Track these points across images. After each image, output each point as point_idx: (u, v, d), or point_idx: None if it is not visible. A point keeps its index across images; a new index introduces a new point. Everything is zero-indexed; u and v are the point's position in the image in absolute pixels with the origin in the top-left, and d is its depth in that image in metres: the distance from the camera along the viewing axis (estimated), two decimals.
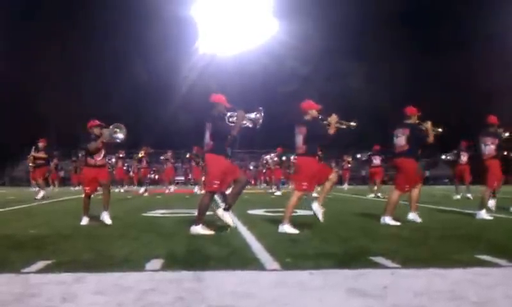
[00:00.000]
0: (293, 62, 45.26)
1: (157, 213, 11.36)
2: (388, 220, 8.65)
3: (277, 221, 8.46)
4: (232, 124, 7.75)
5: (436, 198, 17.33)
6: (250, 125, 8.05)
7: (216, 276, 4.54)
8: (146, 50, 45.96)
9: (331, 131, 7.95)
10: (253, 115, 8.03)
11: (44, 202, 15.77)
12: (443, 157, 21.05)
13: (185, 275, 4.53)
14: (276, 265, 4.98)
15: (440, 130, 9.24)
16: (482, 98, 39.29)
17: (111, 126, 9.13)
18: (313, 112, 8.02)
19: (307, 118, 7.98)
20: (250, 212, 11.53)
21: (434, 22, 47.51)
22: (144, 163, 24.53)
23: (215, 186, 7.62)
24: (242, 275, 4.55)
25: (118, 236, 7.21)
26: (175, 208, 12.67)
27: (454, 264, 4.92)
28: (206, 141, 7.76)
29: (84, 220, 8.83)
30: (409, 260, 5.15)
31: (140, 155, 24.46)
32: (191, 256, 5.46)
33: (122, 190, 26.41)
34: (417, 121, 9.00)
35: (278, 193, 22.29)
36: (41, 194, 17.34)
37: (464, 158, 18.57)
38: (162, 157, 25.35)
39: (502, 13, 40.80)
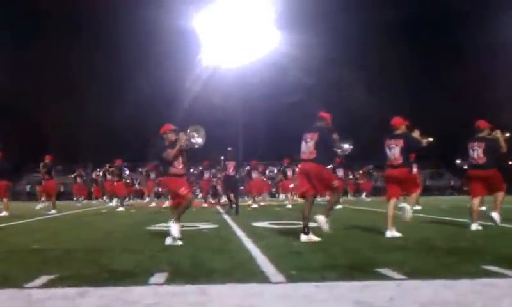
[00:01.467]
0: (296, 73, 45.38)
1: (161, 226, 11.29)
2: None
3: (281, 233, 8.46)
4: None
5: (442, 209, 17.28)
6: (339, 152, 8.58)
7: (220, 289, 4.50)
8: (149, 62, 46.16)
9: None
10: (346, 145, 8.53)
11: (46, 217, 15.75)
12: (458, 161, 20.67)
13: (190, 289, 4.49)
14: (281, 278, 4.93)
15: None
16: (485, 107, 39.37)
17: (188, 130, 8.32)
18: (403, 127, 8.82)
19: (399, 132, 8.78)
20: (255, 224, 11.50)
21: (437, 32, 47.70)
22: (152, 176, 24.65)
23: (311, 191, 8.19)
24: (247, 289, 4.51)
25: (121, 250, 7.18)
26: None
27: (460, 275, 4.86)
28: (307, 150, 8.33)
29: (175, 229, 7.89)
30: (415, 271, 5.10)
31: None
32: (195, 270, 5.43)
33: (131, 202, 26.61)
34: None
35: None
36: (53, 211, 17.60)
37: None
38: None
39: (504, 22, 40.89)
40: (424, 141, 9.11)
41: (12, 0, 43.86)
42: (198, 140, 8.37)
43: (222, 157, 20.70)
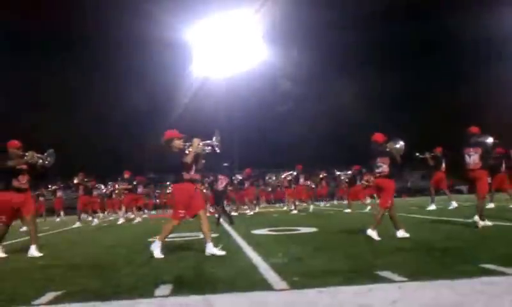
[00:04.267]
0: (285, 84, 45.82)
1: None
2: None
3: (282, 240, 8.51)
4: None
5: (438, 209, 17.33)
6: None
7: (225, 299, 4.55)
8: (140, 74, 46.19)
9: None
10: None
11: (50, 232, 15.75)
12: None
13: (195, 299, 4.55)
14: (284, 285, 4.99)
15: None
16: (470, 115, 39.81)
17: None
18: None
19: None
20: (254, 231, 11.55)
21: (424, 39, 48.14)
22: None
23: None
24: (250, 297, 4.56)
25: (125, 263, 7.24)
26: (180, 232, 12.64)
27: (460, 275, 4.94)
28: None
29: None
30: (416, 273, 5.17)
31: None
32: (199, 280, 5.49)
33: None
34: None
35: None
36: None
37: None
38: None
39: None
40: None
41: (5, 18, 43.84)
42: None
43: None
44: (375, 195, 20.19)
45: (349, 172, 23.04)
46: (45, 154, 9.49)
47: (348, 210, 20.12)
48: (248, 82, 42.96)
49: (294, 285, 4.95)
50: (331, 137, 46.94)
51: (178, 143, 8.18)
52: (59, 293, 5.08)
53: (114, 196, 27.92)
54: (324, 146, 44.84)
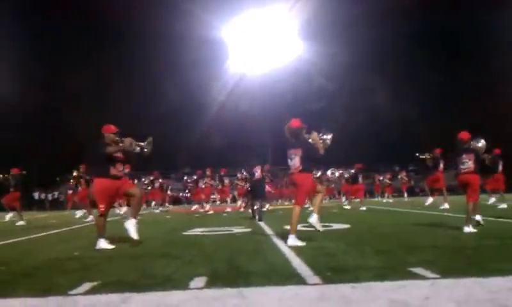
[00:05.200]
0: (320, 80, 45.59)
1: (197, 231, 11.47)
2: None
3: (314, 236, 8.53)
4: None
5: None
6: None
7: (259, 292, 4.59)
8: (178, 71, 46.54)
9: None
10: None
11: (84, 225, 16.01)
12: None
13: (229, 292, 4.59)
14: (317, 279, 5.01)
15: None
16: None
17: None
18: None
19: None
20: (287, 227, 11.57)
21: (458, 35, 47.37)
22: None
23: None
24: (284, 291, 4.59)
25: (160, 255, 7.33)
26: (213, 226, 12.79)
27: (492, 273, 4.92)
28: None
29: None
30: (448, 270, 5.16)
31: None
32: (233, 273, 5.54)
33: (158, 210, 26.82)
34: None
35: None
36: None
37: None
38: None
39: None
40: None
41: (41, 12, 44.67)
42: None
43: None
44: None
45: (352, 171, 23.27)
46: (145, 142, 9.05)
47: (348, 206, 21.30)
48: (284, 78, 42.99)
49: (327, 280, 4.97)
50: (364, 135, 46.71)
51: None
52: (95, 283, 5.17)
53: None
54: (358, 143, 44.57)
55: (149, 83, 48.48)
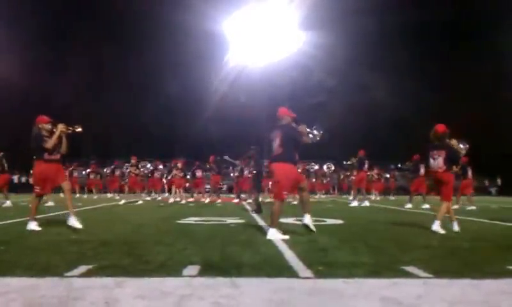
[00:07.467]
0: (319, 74, 45.54)
1: (190, 220, 11.49)
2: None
3: (306, 230, 8.54)
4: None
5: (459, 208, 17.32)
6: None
7: (251, 283, 4.62)
8: (178, 63, 46.49)
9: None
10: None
11: (80, 209, 16.01)
12: None
13: (221, 281, 4.62)
14: (309, 273, 5.04)
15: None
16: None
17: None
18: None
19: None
20: (280, 220, 11.59)
21: (458, 32, 47.36)
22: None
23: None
24: (277, 283, 4.61)
25: (154, 242, 7.34)
26: (207, 216, 12.83)
27: (486, 274, 4.95)
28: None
29: None
30: (441, 270, 5.19)
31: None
32: (226, 263, 5.56)
33: (159, 198, 27.01)
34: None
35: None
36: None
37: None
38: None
39: None
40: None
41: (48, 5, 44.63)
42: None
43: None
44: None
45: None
46: (313, 127, 8.65)
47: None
48: (284, 71, 42.89)
49: (319, 274, 5.00)
50: (361, 132, 46.69)
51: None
52: (90, 266, 5.22)
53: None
54: (355, 141, 44.59)
55: (150, 74, 48.54)
